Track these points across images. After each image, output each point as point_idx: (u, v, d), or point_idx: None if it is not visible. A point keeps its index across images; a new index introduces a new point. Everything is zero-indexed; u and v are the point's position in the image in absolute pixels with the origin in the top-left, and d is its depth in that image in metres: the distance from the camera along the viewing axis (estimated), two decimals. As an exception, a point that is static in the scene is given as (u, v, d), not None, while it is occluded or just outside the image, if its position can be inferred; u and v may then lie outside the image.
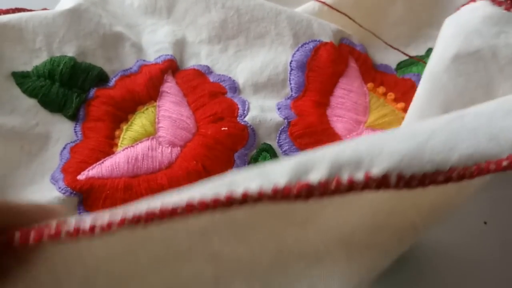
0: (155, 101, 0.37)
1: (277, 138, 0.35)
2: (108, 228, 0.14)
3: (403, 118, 0.37)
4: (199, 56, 0.40)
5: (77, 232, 0.14)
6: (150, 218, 0.14)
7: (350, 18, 0.38)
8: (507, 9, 0.27)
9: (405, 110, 0.37)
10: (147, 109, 0.36)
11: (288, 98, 0.38)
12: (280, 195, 0.15)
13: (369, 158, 0.15)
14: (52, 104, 0.35)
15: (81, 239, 0.14)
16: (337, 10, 0.39)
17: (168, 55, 0.39)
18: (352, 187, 0.15)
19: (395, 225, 0.19)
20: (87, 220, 0.14)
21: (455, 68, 0.26)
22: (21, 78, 0.35)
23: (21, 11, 0.37)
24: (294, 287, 0.19)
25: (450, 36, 0.27)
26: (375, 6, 0.39)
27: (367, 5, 0.39)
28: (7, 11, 0.37)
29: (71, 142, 0.34)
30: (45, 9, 0.39)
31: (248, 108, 0.36)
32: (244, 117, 0.36)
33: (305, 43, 0.38)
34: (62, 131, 0.35)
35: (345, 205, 0.17)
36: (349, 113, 0.37)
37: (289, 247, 0.18)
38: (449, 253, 0.32)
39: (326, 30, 0.38)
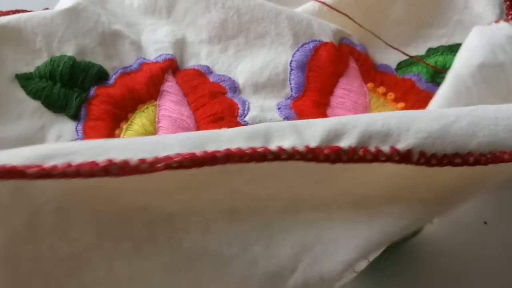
0: (156, 100, 0.37)
1: (277, 138, 0.35)
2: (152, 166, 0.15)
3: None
4: (199, 56, 0.40)
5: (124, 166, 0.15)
6: (190, 161, 0.15)
7: (350, 18, 0.38)
8: None
9: (405, 110, 0.37)
10: (147, 108, 0.36)
11: (288, 98, 0.38)
12: (311, 155, 0.16)
13: (397, 132, 0.17)
14: (55, 105, 0.35)
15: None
16: (337, 10, 0.39)
17: (168, 54, 0.39)
18: (377, 157, 0.16)
19: (407, 198, 0.20)
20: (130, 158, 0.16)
21: (480, 75, 0.27)
22: (24, 81, 0.35)
23: (21, 12, 0.37)
24: (302, 234, 0.19)
25: (477, 46, 0.29)
26: (375, 6, 0.39)
27: (367, 5, 0.39)
28: (6, 13, 0.37)
29: (72, 140, 0.35)
30: (47, 9, 0.39)
31: (248, 108, 0.36)
32: (244, 117, 0.36)
33: (305, 43, 0.38)
34: (64, 130, 0.35)
35: (363, 172, 0.18)
36: (349, 113, 0.37)
37: (304, 199, 0.19)
38: (449, 252, 0.32)
39: (326, 30, 0.38)
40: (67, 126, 0.35)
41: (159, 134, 0.35)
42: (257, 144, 0.16)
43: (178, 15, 0.41)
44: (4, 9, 0.38)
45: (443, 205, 0.21)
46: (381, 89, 0.38)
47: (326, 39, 0.38)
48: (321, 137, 0.17)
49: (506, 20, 0.35)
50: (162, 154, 0.16)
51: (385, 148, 0.16)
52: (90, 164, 0.15)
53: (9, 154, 0.16)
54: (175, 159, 0.16)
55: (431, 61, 0.39)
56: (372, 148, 0.16)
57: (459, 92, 0.27)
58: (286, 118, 0.36)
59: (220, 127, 0.35)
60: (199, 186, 0.18)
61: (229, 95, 0.38)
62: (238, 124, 0.35)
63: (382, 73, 0.39)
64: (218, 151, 0.16)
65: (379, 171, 0.19)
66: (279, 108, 0.37)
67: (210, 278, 0.19)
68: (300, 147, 0.16)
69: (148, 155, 0.16)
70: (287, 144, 0.16)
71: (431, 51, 0.40)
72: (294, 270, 0.19)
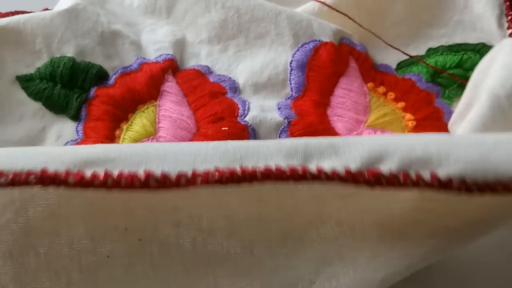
0: (156, 100, 0.37)
1: (278, 138, 0.35)
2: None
3: (403, 117, 0.37)
4: (199, 56, 0.40)
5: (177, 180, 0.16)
6: (229, 179, 0.16)
7: (350, 18, 0.38)
8: None
9: (405, 109, 0.37)
10: (147, 108, 0.36)
11: (288, 98, 0.38)
12: (350, 178, 0.16)
13: (437, 159, 0.16)
14: (56, 106, 0.35)
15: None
16: (337, 10, 0.39)
17: (168, 54, 0.39)
18: (417, 183, 0.16)
19: (431, 223, 0.20)
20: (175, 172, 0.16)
21: None
22: (25, 82, 0.35)
23: (20, 13, 0.37)
24: (323, 248, 0.19)
25: None
26: (375, 6, 0.39)
27: (367, 5, 0.39)
28: (6, 14, 0.37)
29: (72, 140, 0.35)
30: (47, 9, 0.39)
31: (248, 108, 0.36)
32: (245, 117, 0.36)
33: (305, 43, 0.38)
34: (64, 131, 0.35)
35: (391, 192, 0.18)
36: (350, 113, 0.37)
37: (329, 213, 0.19)
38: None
39: (326, 30, 0.38)
40: (68, 126, 0.35)
41: (159, 134, 0.35)
42: (296, 162, 0.16)
43: (178, 15, 0.41)
44: (3, 10, 0.38)
45: (466, 235, 0.20)
46: (381, 89, 0.38)
47: (326, 39, 0.38)
48: (362, 160, 0.16)
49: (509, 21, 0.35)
50: (200, 167, 0.16)
51: (426, 175, 0.16)
52: (130, 176, 0.15)
53: (46, 155, 0.16)
54: (214, 177, 0.16)
55: (431, 61, 0.39)
56: (412, 174, 0.16)
57: (495, 115, 0.26)
58: (286, 118, 0.36)
59: (220, 127, 0.36)
60: (230, 193, 0.18)
61: (229, 95, 0.38)
62: (238, 124, 0.35)
63: (382, 73, 0.39)
64: (258, 169, 0.16)
65: (406, 192, 0.18)
66: (279, 108, 0.37)
67: (228, 284, 0.19)
68: (340, 169, 0.16)
69: (187, 168, 0.16)
70: (327, 165, 0.16)
71: (431, 51, 0.40)
72: (312, 283, 0.19)
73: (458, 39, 0.39)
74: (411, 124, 0.37)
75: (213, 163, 0.16)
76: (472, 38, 0.39)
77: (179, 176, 0.16)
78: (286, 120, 0.36)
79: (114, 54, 0.38)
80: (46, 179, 0.15)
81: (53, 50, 0.36)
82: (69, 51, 0.36)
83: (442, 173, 0.16)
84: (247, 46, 0.39)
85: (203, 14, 0.40)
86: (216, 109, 0.36)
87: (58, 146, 0.34)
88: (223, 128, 0.35)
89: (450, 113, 0.37)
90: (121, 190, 0.15)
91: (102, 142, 0.34)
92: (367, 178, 0.16)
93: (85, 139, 0.35)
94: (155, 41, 0.40)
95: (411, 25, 0.40)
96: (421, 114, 0.37)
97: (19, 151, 0.16)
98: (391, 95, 0.38)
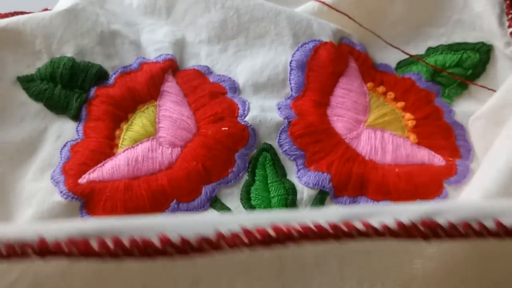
0: (156, 100, 0.37)
1: (278, 137, 0.35)
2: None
3: (403, 117, 0.37)
4: (199, 56, 0.40)
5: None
6: (262, 238, 0.14)
7: (350, 17, 0.38)
8: None
9: (404, 109, 0.37)
10: (147, 108, 0.36)
11: (288, 98, 0.38)
12: (403, 232, 0.15)
13: (497, 210, 0.16)
14: (57, 106, 0.35)
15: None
16: (337, 10, 0.39)
17: (168, 54, 0.39)
18: (481, 233, 0.15)
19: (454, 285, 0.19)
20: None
21: None
22: (26, 83, 0.35)
23: (20, 14, 0.37)
24: None
25: None
26: (374, 5, 0.39)
27: (366, 5, 0.39)
28: (5, 15, 0.37)
29: (72, 140, 0.35)
30: (47, 9, 0.39)
31: (248, 108, 0.36)
32: (245, 117, 0.36)
33: (305, 43, 0.38)
34: (65, 131, 0.35)
35: (416, 248, 0.18)
36: (349, 113, 0.37)
37: (350, 271, 0.18)
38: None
39: (325, 29, 0.38)
40: (68, 126, 0.35)
41: (159, 134, 0.35)
42: (336, 220, 0.15)
43: (178, 16, 0.41)
44: (3, 10, 0.38)
45: None
46: (381, 89, 0.38)
47: (326, 38, 0.38)
48: (413, 214, 0.15)
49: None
50: (224, 229, 0.14)
51: (490, 224, 0.15)
52: (144, 243, 0.14)
53: (43, 225, 0.14)
54: (242, 239, 0.14)
55: (430, 60, 0.39)
56: (474, 224, 0.15)
57: None
58: (286, 118, 0.36)
59: (220, 128, 0.36)
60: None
61: (229, 95, 0.38)
62: (238, 124, 0.35)
63: (382, 72, 0.39)
64: (293, 228, 0.14)
65: (432, 248, 0.17)
66: (279, 108, 0.37)
67: None
68: (391, 223, 0.15)
69: (208, 230, 0.14)
70: (374, 221, 0.15)
71: (430, 50, 0.40)
72: None
73: (458, 38, 0.39)
74: (410, 123, 0.37)
75: (239, 222, 0.15)
76: (471, 37, 0.39)
77: (201, 241, 0.14)
78: (286, 120, 0.36)
79: (113, 53, 0.38)
80: (44, 250, 0.14)
81: (52, 51, 0.36)
82: (68, 51, 0.36)
83: (508, 221, 0.16)
84: (247, 46, 0.39)
85: (202, 14, 0.40)
86: (216, 109, 0.36)
87: (58, 146, 0.34)
88: (223, 128, 0.35)
89: (450, 111, 0.37)
90: (135, 259, 0.14)
91: (102, 143, 0.34)
92: (422, 230, 0.15)
93: (85, 139, 0.35)
94: (155, 41, 0.40)
95: (411, 24, 0.40)
96: (421, 113, 0.37)
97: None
98: (391, 94, 0.38)
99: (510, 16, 0.36)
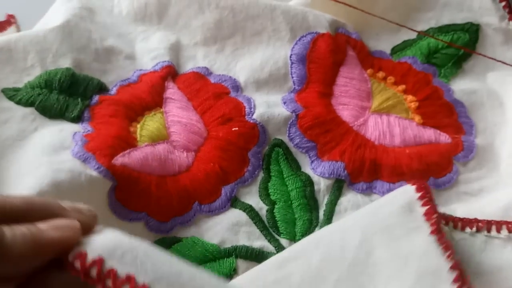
0: (161, 107, 0.36)
1: (287, 132, 0.36)
2: None
3: (405, 99, 0.38)
4: (196, 58, 0.40)
5: None
6: None
7: (347, 4, 0.38)
8: None
9: (406, 91, 0.38)
10: (155, 114, 0.36)
11: (292, 92, 0.38)
12: None
13: None
14: (51, 110, 0.33)
15: None
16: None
17: (165, 61, 0.38)
18: None
19: None
20: None
21: None
22: (12, 92, 0.34)
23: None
24: None
25: None
26: (366, -7, 0.40)
27: (358, -7, 0.40)
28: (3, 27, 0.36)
29: (81, 132, 0.33)
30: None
31: (254, 106, 0.36)
32: (252, 115, 0.36)
33: (302, 36, 0.39)
34: (67, 127, 0.33)
35: None
36: (354, 100, 0.37)
37: None
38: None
39: (321, 21, 0.39)
40: (68, 125, 0.33)
41: (172, 138, 0.34)
42: None
43: (170, 20, 0.40)
44: (3, 10, 0.37)
45: None
46: (381, 74, 0.39)
47: (322, 30, 0.39)
48: None
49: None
50: None
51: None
52: None
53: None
54: None
55: (423, 43, 0.40)
56: None
57: None
58: (293, 111, 0.36)
59: (230, 128, 0.35)
60: None
61: (232, 94, 0.37)
62: (247, 122, 0.35)
63: (379, 58, 0.40)
64: None
65: None
66: (284, 102, 0.37)
67: None
68: None
69: None
70: None
71: (420, 35, 0.41)
72: None
73: (446, 20, 0.41)
74: (413, 105, 0.38)
75: None
76: (459, 19, 0.40)
77: None
78: (293, 114, 0.36)
79: (110, 69, 0.37)
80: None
81: (47, 64, 0.35)
82: (65, 64, 0.35)
83: None
84: (244, 44, 0.39)
85: (196, 16, 0.39)
86: (224, 110, 0.36)
87: (65, 134, 0.32)
88: (233, 129, 0.35)
89: (449, 90, 0.38)
90: None
91: (123, 132, 0.33)
92: None
93: (99, 131, 0.33)
94: (150, 50, 0.39)
95: (401, 11, 0.41)
96: (421, 94, 0.38)
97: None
98: (391, 79, 0.39)
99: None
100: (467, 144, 0.36)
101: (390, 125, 0.36)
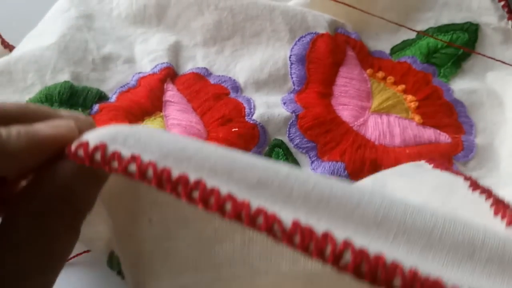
0: (161, 111, 0.36)
1: (287, 132, 0.36)
2: None
3: (405, 99, 0.38)
4: (195, 59, 0.40)
5: None
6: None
7: (347, 4, 0.39)
8: None
9: (405, 91, 0.38)
10: (155, 119, 0.36)
11: (291, 92, 0.38)
12: None
13: None
14: None
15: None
16: None
17: (164, 63, 0.38)
18: None
19: None
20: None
21: None
22: None
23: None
24: None
25: None
26: (364, -7, 0.40)
27: (357, -7, 0.40)
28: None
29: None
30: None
31: (254, 106, 0.36)
32: (252, 116, 0.36)
33: (302, 37, 0.39)
34: None
35: None
36: (354, 100, 0.37)
37: None
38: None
39: (320, 21, 0.39)
40: None
41: None
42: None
43: (170, 21, 0.40)
44: (3, 10, 0.37)
45: None
46: (380, 74, 0.39)
47: (322, 30, 0.39)
48: None
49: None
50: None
51: None
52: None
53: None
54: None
55: (423, 43, 0.40)
56: None
57: None
58: (293, 111, 0.36)
59: (230, 129, 0.35)
60: None
61: (232, 95, 0.37)
62: (247, 123, 0.35)
63: (378, 58, 0.40)
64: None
65: None
66: (284, 103, 0.37)
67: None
68: None
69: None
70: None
71: (420, 34, 0.41)
72: None
73: (445, 20, 0.41)
74: (413, 105, 0.38)
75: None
76: (458, 18, 0.40)
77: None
78: (293, 114, 0.36)
79: (109, 77, 0.38)
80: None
81: (46, 81, 0.36)
82: (64, 78, 0.36)
83: None
84: (244, 45, 0.39)
85: (196, 17, 0.39)
86: (223, 111, 0.36)
87: None
88: (233, 130, 0.35)
89: (449, 90, 0.38)
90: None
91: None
92: None
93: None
94: (149, 51, 0.39)
95: (400, 11, 0.41)
96: (421, 94, 0.38)
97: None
98: (391, 79, 0.39)
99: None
100: (467, 143, 0.36)
101: (390, 125, 0.36)
